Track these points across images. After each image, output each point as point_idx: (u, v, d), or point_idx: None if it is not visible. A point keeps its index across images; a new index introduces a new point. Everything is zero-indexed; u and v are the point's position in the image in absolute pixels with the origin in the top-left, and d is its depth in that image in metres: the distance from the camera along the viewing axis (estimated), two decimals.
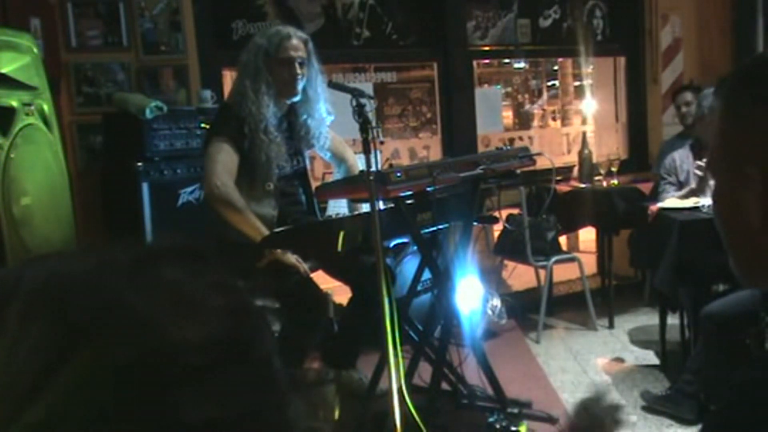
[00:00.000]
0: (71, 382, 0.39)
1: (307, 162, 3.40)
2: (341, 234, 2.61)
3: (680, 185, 3.90)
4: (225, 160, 2.96)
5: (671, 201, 3.76)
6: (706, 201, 3.48)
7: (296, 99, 3.11)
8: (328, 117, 3.20)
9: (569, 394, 3.54)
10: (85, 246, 0.48)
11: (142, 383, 0.40)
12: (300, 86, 3.08)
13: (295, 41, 3.06)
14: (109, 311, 0.42)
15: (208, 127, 3.33)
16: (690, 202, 3.62)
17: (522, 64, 6.61)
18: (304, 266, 3.04)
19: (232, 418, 0.43)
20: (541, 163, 3.36)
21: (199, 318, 0.43)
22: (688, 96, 4.59)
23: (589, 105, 6.03)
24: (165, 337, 0.42)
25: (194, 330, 0.42)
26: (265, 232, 2.90)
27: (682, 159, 3.92)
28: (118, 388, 0.39)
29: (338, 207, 3.43)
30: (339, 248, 2.61)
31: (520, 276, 4.90)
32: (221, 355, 0.43)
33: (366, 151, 2.55)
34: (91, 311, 0.41)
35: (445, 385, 3.16)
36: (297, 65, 3.05)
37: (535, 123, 7.02)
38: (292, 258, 3.01)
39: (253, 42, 3.10)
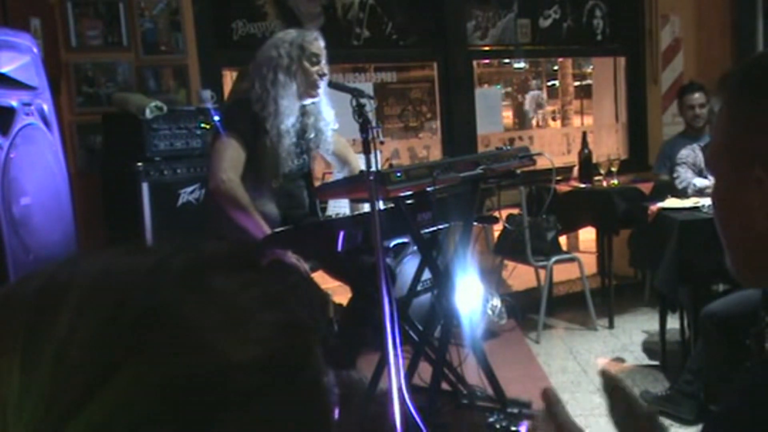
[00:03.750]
0: (118, 395, 0.38)
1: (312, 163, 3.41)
2: (341, 234, 2.61)
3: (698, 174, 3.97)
4: (232, 156, 2.96)
5: (671, 201, 3.77)
6: (706, 201, 3.49)
7: (316, 100, 3.11)
8: (333, 122, 3.22)
9: (569, 394, 3.54)
10: (135, 244, 0.47)
11: (188, 403, 0.39)
12: (321, 88, 3.09)
13: (321, 43, 3.08)
14: (162, 320, 0.40)
15: (217, 121, 3.35)
16: (690, 202, 3.62)
17: (522, 64, 6.62)
18: (304, 266, 3.04)
19: None
20: (541, 163, 3.36)
21: (250, 335, 0.42)
22: (700, 97, 4.54)
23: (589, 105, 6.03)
24: (215, 356, 0.40)
25: (245, 350, 0.41)
26: (268, 230, 2.90)
27: (697, 156, 3.98)
28: (164, 406, 0.38)
29: (338, 207, 3.43)
30: (339, 248, 2.61)
31: (520, 276, 4.90)
32: (270, 377, 0.42)
33: (366, 151, 2.56)
34: (144, 318, 0.40)
35: (445, 385, 3.16)
36: (323, 64, 3.06)
37: (535, 123, 7.03)
38: (292, 258, 3.01)
39: (281, 39, 3.07)
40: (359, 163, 3.31)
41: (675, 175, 4.11)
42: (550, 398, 1.05)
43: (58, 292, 0.41)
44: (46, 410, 0.37)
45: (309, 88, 3.06)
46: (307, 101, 3.10)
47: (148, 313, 0.40)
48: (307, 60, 3.02)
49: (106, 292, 0.41)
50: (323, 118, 3.18)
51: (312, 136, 3.20)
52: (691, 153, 4.04)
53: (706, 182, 3.83)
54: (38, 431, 0.37)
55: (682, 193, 3.96)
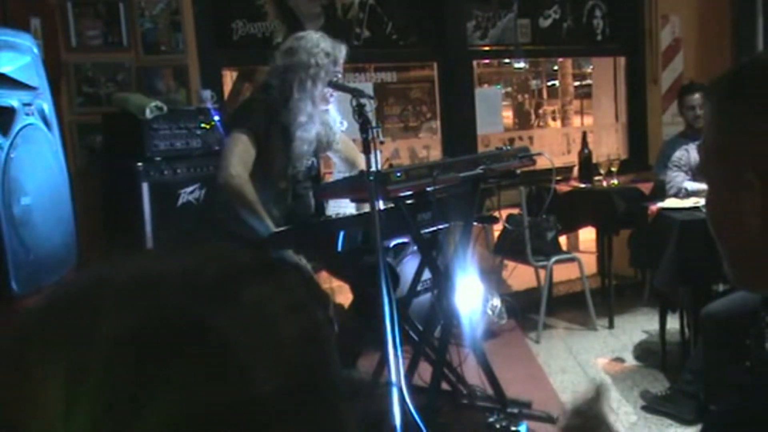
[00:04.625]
0: (157, 421, 0.39)
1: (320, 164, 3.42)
2: (341, 234, 2.61)
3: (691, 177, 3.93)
4: (242, 153, 2.97)
5: (671, 201, 3.77)
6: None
7: (326, 108, 3.15)
8: (341, 124, 3.24)
9: (569, 394, 3.55)
10: (167, 248, 0.48)
11: (228, 425, 0.40)
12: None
13: (345, 55, 3.12)
14: (197, 336, 0.41)
15: (228, 117, 3.37)
16: (690, 202, 3.62)
17: (522, 64, 6.61)
18: (307, 266, 3.04)
19: None
20: (541, 163, 3.36)
21: (278, 352, 0.43)
22: (700, 97, 4.53)
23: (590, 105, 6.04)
24: (252, 374, 0.41)
25: (279, 366, 0.43)
26: (273, 228, 2.91)
27: (695, 156, 3.94)
28: (197, 423, 0.39)
29: (338, 207, 3.43)
30: (339, 248, 2.62)
31: (520, 276, 4.90)
32: (299, 395, 0.43)
33: (366, 151, 2.56)
34: (180, 334, 0.41)
35: (445, 385, 3.16)
36: (340, 77, 3.11)
37: (535, 123, 7.03)
38: (294, 257, 3.02)
39: (314, 44, 3.07)
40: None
41: (666, 179, 4.07)
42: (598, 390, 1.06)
43: (98, 306, 0.42)
44: (90, 423, 0.38)
45: (326, 98, 3.09)
46: (322, 108, 3.13)
47: (185, 331, 0.41)
48: (332, 74, 3.05)
49: (143, 310, 0.42)
50: (332, 120, 3.19)
51: (323, 138, 3.21)
52: (685, 154, 4.00)
53: (698, 186, 3.81)
54: None
55: (675, 197, 3.95)
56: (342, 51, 3.10)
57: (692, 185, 3.89)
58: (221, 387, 0.40)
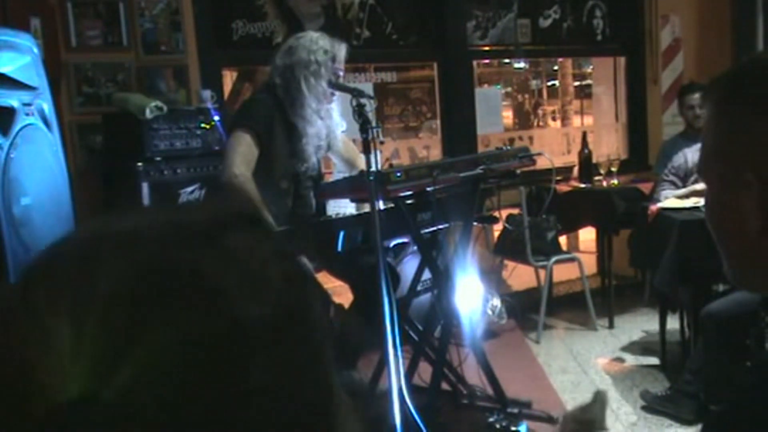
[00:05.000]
0: (153, 350, 0.42)
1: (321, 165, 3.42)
2: (341, 234, 2.61)
3: (683, 184, 3.89)
4: (245, 152, 2.98)
5: (671, 201, 3.76)
6: None
7: (329, 105, 3.15)
8: (341, 124, 3.25)
9: (569, 395, 3.55)
10: (155, 206, 0.52)
11: (218, 355, 0.44)
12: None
13: (345, 53, 3.15)
14: (187, 278, 0.45)
15: (234, 114, 3.38)
16: (690, 202, 3.62)
17: (522, 64, 6.62)
18: (309, 266, 3.05)
19: (291, 382, 0.46)
20: (541, 163, 3.36)
21: (263, 290, 0.47)
22: (700, 97, 4.54)
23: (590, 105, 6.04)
24: (239, 309, 0.45)
25: (265, 302, 0.46)
26: (275, 227, 2.91)
27: (692, 160, 3.89)
28: (196, 359, 0.43)
29: (338, 207, 3.43)
30: (339, 248, 2.62)
31: (520, 276, 4.90)
32: (284, 325, 0.47)
33: (366, 151, 2.56)
34: (171, 278, 0.45)
35: (445, 385, 3.16)
36: (341, 75, 3.14)
37: (535, 122, 7.03)
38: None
39: (313, 42, 3.10)
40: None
41: (660, 184, 4.02)
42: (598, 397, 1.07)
43: (95, 257, 0.46)
44: (95, 363, 0.42)
45: (327, 96, 3.09)
46: (325, 105, 3.13)
47: (175, 275, 0.45)
48: (332, 72, 3.06)
49: (137, 257, 0.45)
50: (333, 121, 3.20)
51: (324, 138, 3.22)
52: (683, 161, 3.94)
53: (685, 191, 3.79)
54: (91, 380, 0.41)
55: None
56: (341, 49, 3.11)
57: (677, 193, 3.82)
58: (211, 319, 0.44)
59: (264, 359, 0.45)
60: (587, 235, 5.69)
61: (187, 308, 0.44)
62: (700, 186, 3.77)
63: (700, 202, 3.55)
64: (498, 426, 2.81)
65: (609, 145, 5.66)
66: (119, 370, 0.42)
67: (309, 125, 3.04)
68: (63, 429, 0.40)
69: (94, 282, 0.44)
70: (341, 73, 3.15)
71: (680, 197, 3.74)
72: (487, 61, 6.03)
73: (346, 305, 3.53)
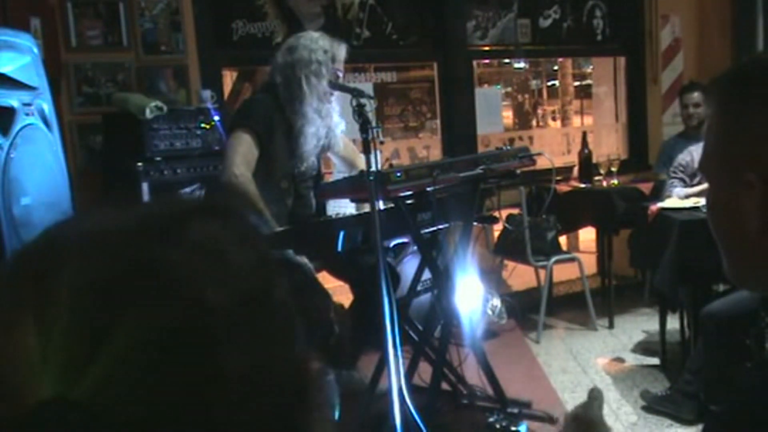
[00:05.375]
0: (122, 347, 0.42)
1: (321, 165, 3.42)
2: (341, 234, 2.61)
3: (690, 182, 3.90)
4: (245, 152, 2.98)
5: (671, 201, 3.76)
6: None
7: (328, 105, 3.15)
8: (341, 124, 3.24)
9: (569, 394, 3.54)
10: (116, 204, 0.52)
11: (186, 344, 0.44)
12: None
13: (345, 53, 3.14)
14: (151, 272, 0.45)
15: (233, 114, 3.38)
16: (690, 202, 3.62)
17: (522, 64, 6.61)
18: (309, 266, 3.05)
19: (262, 365, 0.47)
20: (541, 163, 3.36)
21: (231, 274, 0.47)
22: (697, 96, 4.54)
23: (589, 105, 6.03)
24: (203, 297, 0.45)
25: (224, 292, 0.46)
26: (276, 227, 2.91)
27: (699, 159, 3.89)
28: (165, 350, 0.43)
29: (338, 207, 3.43)
30: (339, 248, 2.62)
31: (520, 276, 4.90)
32: (252, 309, 0.47)
33: (366, 151, 2.56)
34: (134, 272, 0.45)
35: (445, 385, 3.16)
36: (340, 75, 3.14)
37: (534, 121, 7.03)
38: (296, 257, 3.02)
39: (313, 41, 3.11)
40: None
41: (669, 181, 4.04)
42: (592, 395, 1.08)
43: (58, 256, 0.46)
44: (64, 363, 0.42)
45: (327, 95, 3.09)
46: (327, 105, 3.13)
47: (139, 269, 0.45)
48: (332, 72, 3.06)
49: (99, 254, 0.45)
50: (333, 121, 3.20)
51: (324, 138, 3.22)
52: (690, 159, 3.95)
53: (692, 190, 3.81)
54: (61, 381, 0.41)
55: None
56: (341, 48, 3.11)
57: (688, 191, 3.84)
58: (176, 311, 0.44)
59: (232, 345, 0.45)
60: (587, 235, 5.68)
61: (151, 301, 0.44)
62: None
63: (700, 202, 3.56)
64: (498, 426, 2.81)
65: (609, 145, 5.66)
66: (89, 369, 0.41)
67: (309, 124, 3.04)
68: (35, 431, 0.40)
69: (57, 282, 0.44)
70: (341, 74, 3.15)
71: (692, 195, 3.73)
72: (487, 61, 6.03)
73: (346, 305, 3.53)
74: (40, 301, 0.44)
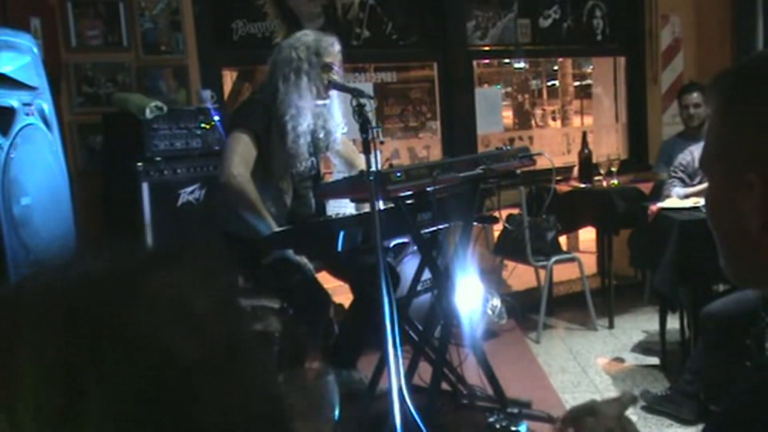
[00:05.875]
0: (94, 421, 0.41)
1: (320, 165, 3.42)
2: (341, 234, 2.61)
3: (690, 182, 3.89)
4: (244, 152, 2.98)
5: (671, 201, 3.76)
6: None
7: (326, 102, 3.13)
8: (342, 124, 3.23)
9: (569, 394, 3.55)
10: (79, 251, 0.50)
11: (159, 405, 0.42)
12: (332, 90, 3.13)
13: (337, 48, 3.12)
14: (112, 333, 0.43)
15: (230, 117, 3.38)
16: (690, 202, 3.62)
17: (522, 64, 6.61)
18: (309, 266, 3.05)
19: (240, 408, 0.46)
20: (541, 163, 3.36)
21: (195, 324, 0.46)
22: (697, 97, 4.54)
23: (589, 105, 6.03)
24: (169, 353, 0.44)
25: (194, 339, 0.45)
26: (275, 227, 2.91)
27: (695, 159, 3.88)
28: (138, 416, 0.42)
29: (338, 207, 3.43)
30: (339, 248, 2.62)
31: (520, 276, 4.90)
32: (220, 356, 0.46)
33: (366, 151, 2.56)
34: (96, 335, 0.43)
35: (445, 385, 3.16)
36: (335, 71, 3.10)
37: (533, 121, 7.03)
38: (296, 257, 3.02)
39: (300, 41, 3.11)
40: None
41: (669, 181, 4.03)
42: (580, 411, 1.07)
43: (16, 321, 0.43)
44: None
45: (319, 92, 3.08)
46: (319, 103, 3.12)
47: (100, 332, 0.43)
48: (320, 67, 3.05)
49: (59, 318, 0.43)
50: (333, 120, 3.19)
51: (322, 137, 3.21)
52: (690, 159, 3.95)
53: (691, 190, 3.81)
54: None
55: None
56: (327, 42, 3.09)
57: (688, 191, 3.84)
58: (143, 372, 0.43)
59: (205, 396, 0.44)
60: (587, 235, 5.68)
61: (117, 367, 0.42)
62: None
63: (700, 202, 3.56)
64: (498, 426, 2.81)
65: (609, 145, 5.66)
66: None
67: (296, 124, 3.03)
68: None
69: (17, 357, 0.42)
70: (335, 67, 3.11)
71: (692, 195, 3.73)
72: (487, 61, 6.03)
73: (346, 305, 3.53)
74: (1, 381, 0.42)
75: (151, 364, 0.43)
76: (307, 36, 3.14)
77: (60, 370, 0.42)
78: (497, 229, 4.66)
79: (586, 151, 4.74)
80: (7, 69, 2.70)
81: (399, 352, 2.60)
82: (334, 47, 3.11)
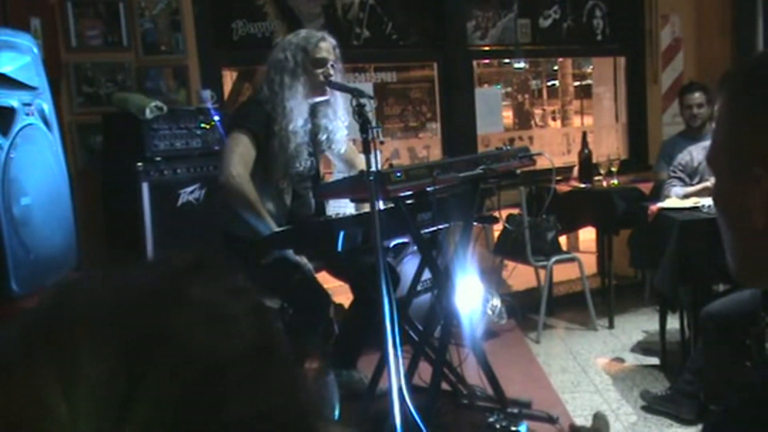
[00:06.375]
0: (145, 412, 0.46)
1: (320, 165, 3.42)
2: (341, 234, 2.61)
3: (689, 182, 3.89)
4: (243, 153, 2.98)
5: (671, 201, 3.76)
6: (706, 201, 3.48)
7: (324, 98, 3.13)
8: (344, 125, 3.23)
9: (569, 394, 3.55)
10: (104, 268, 0.55)
11: (201, 402, 0.47)
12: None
13: (329, 44, 3.11)
14: (161, 340, 0.48)
15: (229, 118, 3.37)
16: (690, 202, 3.62)
17: (522, 64, 6.61)
18: (309, 266, 3.04)
19: (273, 408, 0.50)
20: (541, 163, 3.36)
21: (233, 330, 0.51)
22: (699, 97, 4.54)
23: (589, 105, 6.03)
24: (212, 356, 0.49)
25: (232, 343, 0.50)
26: (275, 227, 2.91)
27: (698, 159, 3.88)
28: (183, 411, 0.46)
29: (338, 207, 3.43)
30: (339, 248, 2.62)
31: (520, 276, 4.90)
32: (255, 359, 0.51)
33: (366, 151, 2.56)
34: (147, 342, 0.48)
35: (445, 385, 3.16)
36: (330, 66, 3.08)
37: (533, 121, 7.02)
38: (295, 257, 3.02)
39: (289, 41, 3.12)
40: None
41: (668, 180, 4.03)
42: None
43: (72, 329, 0.48)
44: (94, 429, 0.45)
45: (314, 90, 3.08)
46: (315, 100, 3.12)
47: (150, 339, 0.48)
48: (311, 63, 3.04)
49: (111, 326, 0.48)
50: (334, 120, 3.19)
51: (323, 137, 3.21)
52: (689, 159, 3.95)
53: (690, 189, 3.81)
54: None
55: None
56: (318, 40, 3.08)
57: (687, 190, 3.84)
58: (190, 373, 0.47)
59: (241, 396, 0.49)
60: (587, 235, 5.68)
61: (167, 368, 0.47)
62: (711, 183, 3.76)
63: (700, 202, 3.56)
64: (498, 426, 2.81)
65: (609, 145, 5.66)
66: None
67: (289, 123, 3.03)
68: None
69: (76, 353, 0.47)
70: (331, 62, 3.10)
71: (691, 194, 3.73)
72: (487, 61, 6.03)
73: (346, 305, 3.53)
74: (64, 371, 0.46)
75: (194, 367, 0.48)
76: (297, 35, 3.14)
77: (115, 368, 0.46)
78: (497, 229, 4.66)
79: (586, 151, 4.74)
80: (7, 69, 2.70)
81: (399, 352, 2.60)
82: (323, 42, 3.09)
